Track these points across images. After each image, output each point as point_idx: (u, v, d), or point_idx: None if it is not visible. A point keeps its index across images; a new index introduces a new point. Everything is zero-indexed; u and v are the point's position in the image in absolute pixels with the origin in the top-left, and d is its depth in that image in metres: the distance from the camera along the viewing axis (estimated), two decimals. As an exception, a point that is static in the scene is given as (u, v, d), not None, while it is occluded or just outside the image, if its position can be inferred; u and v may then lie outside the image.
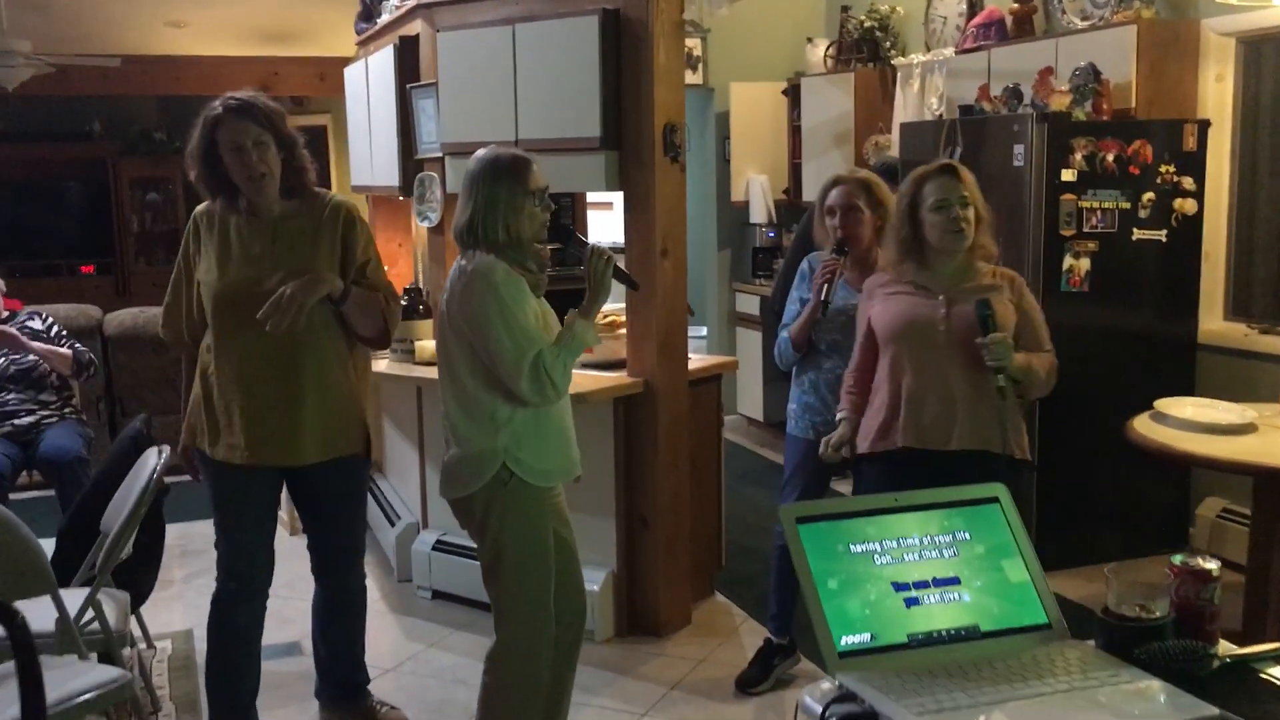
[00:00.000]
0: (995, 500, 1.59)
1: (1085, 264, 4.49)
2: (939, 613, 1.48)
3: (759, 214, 7.04)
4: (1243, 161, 4.73)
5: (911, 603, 1.48)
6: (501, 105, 4.09)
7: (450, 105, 4.30)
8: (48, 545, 3.44)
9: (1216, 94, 4.69)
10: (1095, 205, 4.47)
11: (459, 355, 2.71)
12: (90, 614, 2.99)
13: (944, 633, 1.47)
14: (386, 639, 4.06)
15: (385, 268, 5.43)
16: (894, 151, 5.70)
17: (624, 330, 4.11)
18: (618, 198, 4.10)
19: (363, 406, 3.15)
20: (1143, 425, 3.60)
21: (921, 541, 1.53)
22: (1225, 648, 1.50)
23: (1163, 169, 4.52)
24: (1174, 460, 3.64)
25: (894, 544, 1.52)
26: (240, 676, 3.16)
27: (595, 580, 3.95)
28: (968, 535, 1.55)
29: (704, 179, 7.27)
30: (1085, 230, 4.48)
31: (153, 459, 3.20)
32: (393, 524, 4.74)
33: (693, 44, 6.83)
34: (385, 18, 5.07)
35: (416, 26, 4.60)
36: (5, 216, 9.84)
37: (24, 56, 6.48)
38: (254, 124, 2.88)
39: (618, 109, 3.87)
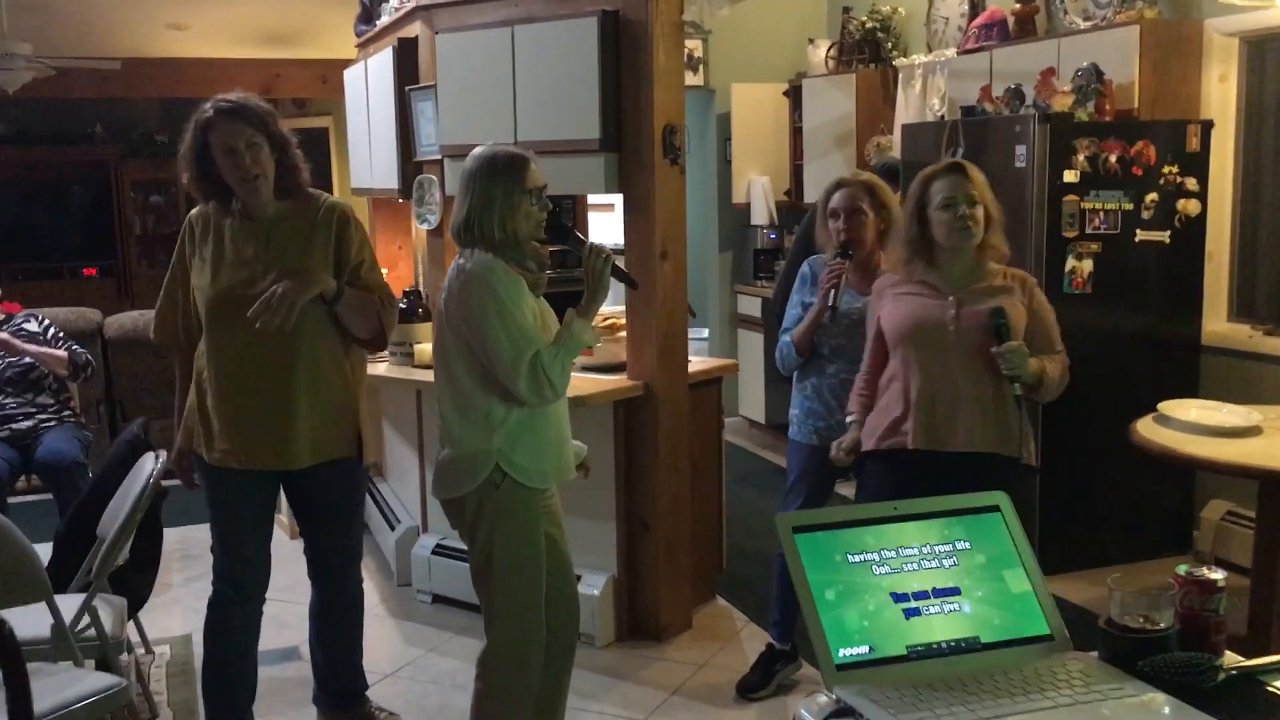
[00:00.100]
0: (996, 509, 1.57)
1: (1088, 265, 4.46)
2: (939, 624, 1.46)
3: (760, 215, 7.02)
4: (1246, 162, 4.70)
5: (911, 614, 1.45)
6: (500, 107, 4.07)
7: (449, 107, 4.28)
8: (46, 550, 3.43)
9: (1220, 94, 4.66)
10: (1098, 206, 4.45)
11: (456, 354, 2.69)
12: (86, 620, 2.97)
13: (944, 645, 1.45)
14: (386, 644, 4.04)
15: (386, 270, 5.42)
16: (895, 153, 5.68)
17: (624, 333, 4.09)
18: (619, 199, 4.08)
19: (357, 409, 3.13)
20: (1146, 428, 3.57)
21: (921, 551, 1.51)
22: (1231, 659, 1.47)
23: (1166, 170, 4.49)
24: (1178, 464, 3.61)
25: (893, 554, 1.49)
26: (237, 682, 3.14)
27: (595, 584, 3.93)
28: (968, 544, 1.53)
29: (705, 181, 7.25)
30: (1088, 232, 4.45)
31: (150, 463, 3.18)
32: (393, 528, 4.72)
33: (694, 45, 6.81)
34: (384, 20, 5.05)
35: (415, 28, 4.58)
36: (7, 219, 9.84)
37: (24, 59, 6.48)
38: (246, 125, 2.86)
39: (617, 111, 3.85)
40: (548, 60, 3.94)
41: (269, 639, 3.36)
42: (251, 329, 2.80)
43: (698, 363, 4.27)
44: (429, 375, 3.82)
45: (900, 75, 6.16)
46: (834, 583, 1.45)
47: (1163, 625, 1.45)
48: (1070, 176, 4.40)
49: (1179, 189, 4.53)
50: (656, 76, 3.78)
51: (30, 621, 2.93)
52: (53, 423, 4.80)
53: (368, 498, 5.01)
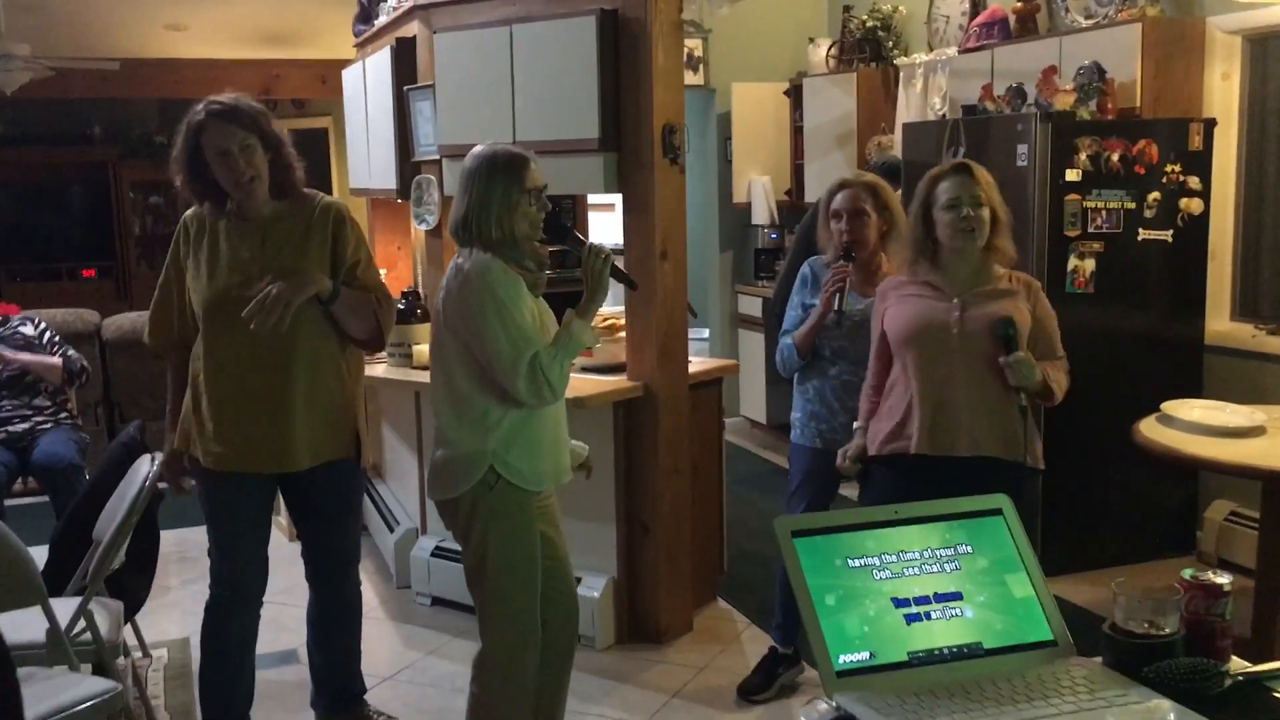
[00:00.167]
0: (998, 512, 1.54)
1: (1090, 265, 4.44)
2: (940, 630, 1.43)
3: (761, 215, 7.00)
4: (1249, 160, 4.68)
5: (912, 619, 1.43)
6: (499, 107, 4.05)
7: (447, 107, 4.26)
8: (43, 553, 3.42)
9: (1222, 92, 4.64)
10: (1100, 205, 4.43)
11: (453, 354, 2.67)
12: (82, 624, 2.95)
13: (946, 651, 1.42)
14: (385, 646, 4.02)
15: (385, 271, 5.40)
16: (896, 152, 5.65)
17: (623, 333, 4.07)
18: (619, 199, 4.06)
19: (355, 410, 3.10)
20: (1149, 428, 3.55)
21: (922, 555, 1.48)
22: (1237, 665, 1.45)
23: (1168, 168, 4.47)
24: (1182, 464, 3.59)
25: (894, 558, 1.47)
26: (234, 686, 3.12)
27: (595, 587, 3.91)
28: (970, 548, 1.50)
29: (705, 180, 7.23)
30: (1090, 231, 4.43)
31: (145, 466, 3.16)
32: (391, 529, 4.70)
33: (694, 44, 6.80)
34: (382, 19, 5.03)
35: (413, 28, 4.56)
36: (6, 220, 9.82)
37: (22, 60, 6.46)
38: (239, 128, 2.84)
39: (616, 110, 3.83)
40: (546, 59, 3.92)
41: (267, 642, 3.34)
42: (248, 331, 2.78)
43: (698, 363, 4.25)
44: (428, 376, 3.79)
45: (901, 74, 6.14)
46: (834, 588, 1.43)
47: (1168, 630, 1.42)
48: (1072, 175, 4.38)
49: (1181, 188, 4.50)
50: (656, 76, 3.76)
51: (25, 625, 2.91)
52: (49, 425, 4.78)
53: (367, 499, 5.00)
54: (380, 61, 4.82)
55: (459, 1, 4.29)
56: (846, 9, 6.68)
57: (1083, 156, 4.37)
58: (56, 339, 4.98)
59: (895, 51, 6.37)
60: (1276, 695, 1.39)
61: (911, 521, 1.51)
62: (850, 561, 1.45)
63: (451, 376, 2.68)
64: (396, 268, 5.46)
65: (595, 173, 3.87)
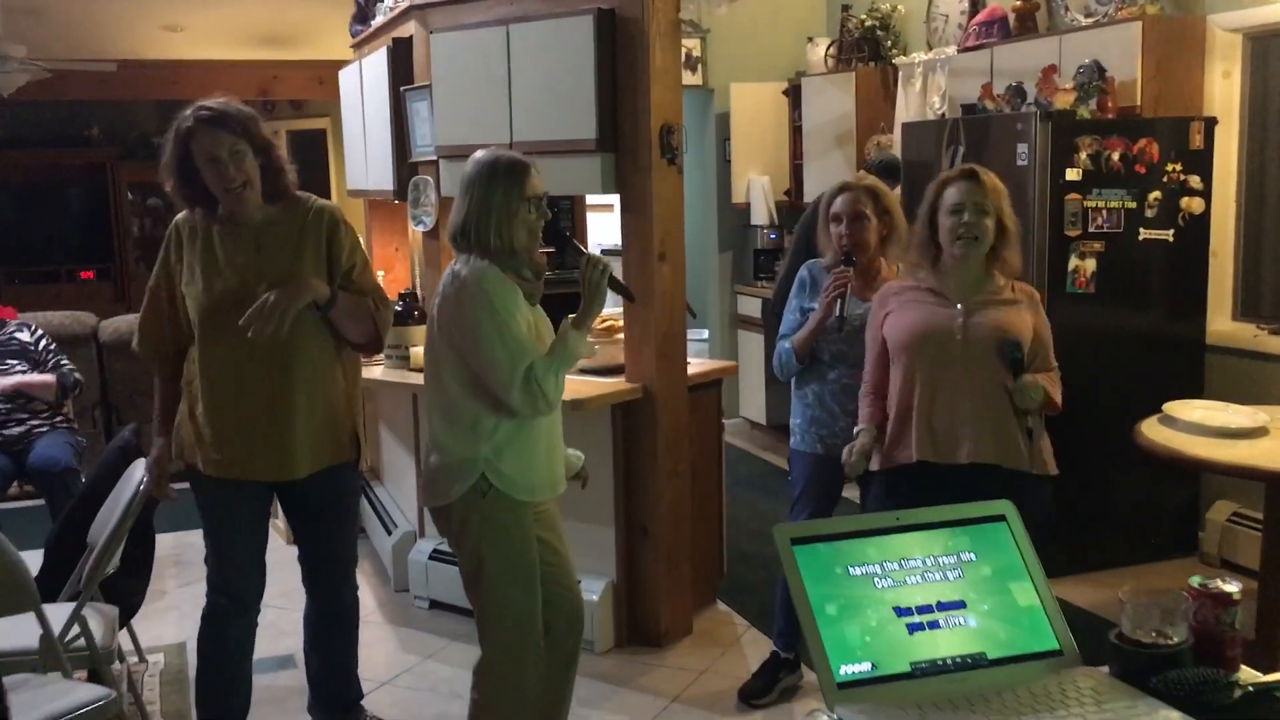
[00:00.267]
0: (1002, 518, 1.52)
1: (1091, 265, 4.42)
2: (944, 639, 1.41)
3: (760, 215, 6.97)
4: (1250, 159, 4.65)
5: (915, 629, 1.40)
6: (496, 107, 4.03)
7: (444, 107, 4.24)
8: (38, 557, 3.39)
9: (1223, 91, 4.61)
10: (1101, 205, 4.40)
11: (446, 361, 2.64)
12: (76, 630, 2.92)
13: (949, 661, 1.40)
14: (382, 651, 4.00)
15: (382, 272, 5.37)
16: (896, 151, 5.63)
17: (622, 335, 4.05)
18: (617, 199, 4.03)
19: (355, 413, 3.07)
20: (1151, 429, 3.53)
21: (925, 563, 1.45)
22: (1247, 675, 1.42)
23: (1169, 167, 4.44)
24: (1185, 466, 3.56)
25: (895, 566, 1.44)
26: (231, 693, 3.09)
27: (594, 590, 3.88)
28: (973, 556, 1.48)
29: (704, 180, 7.20)
30: (1091, 230, 4.40)
31: (140, 470, 3.14)
32: (390, 532, 4.67)
33: (692, 44, 6.77)
34: (379, 19, 5.01)
35: (410, 28, 4.54)
36: (4, 222, 9.79)
37: (19, 61, 6.43)
38: (228, 133, 2.80)
39: (613, 110, 3.80)
40: (543, 59, 3.89)
41: (264, 647, 3.32)
42: (245, 337, 2.74)
43: (697, 365, 4.23)
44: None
45: (900, 73, 6.11)
46: (835, 597, 1.40)
47: (1176, 640, 1.40)
48: (1073, 175, 4.35)
49: (1182, 187, 4.48)
50: (654, 75, 3.73)
51: (18, 631, 2.89)
52: (45, 429, 4.76)
53: (365, 502, 4.98)
54: (377, 62, 4.80)
55: (456, 1, 4.26)
56: (845, 8, 6.66)
57: (1083, 156, 4.35)
58: (53, 347, 4.96)
59: (894, 51, 6.35)
60: (1287, 705, 1.37)
61: (913, 528, 1.48)
62: (851, 569, 1.43)
63: (444, 382, 2.65)
64: (394, 269, 5.44)
65: (593, 173, 3.85)
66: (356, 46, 5.53)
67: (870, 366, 3.09)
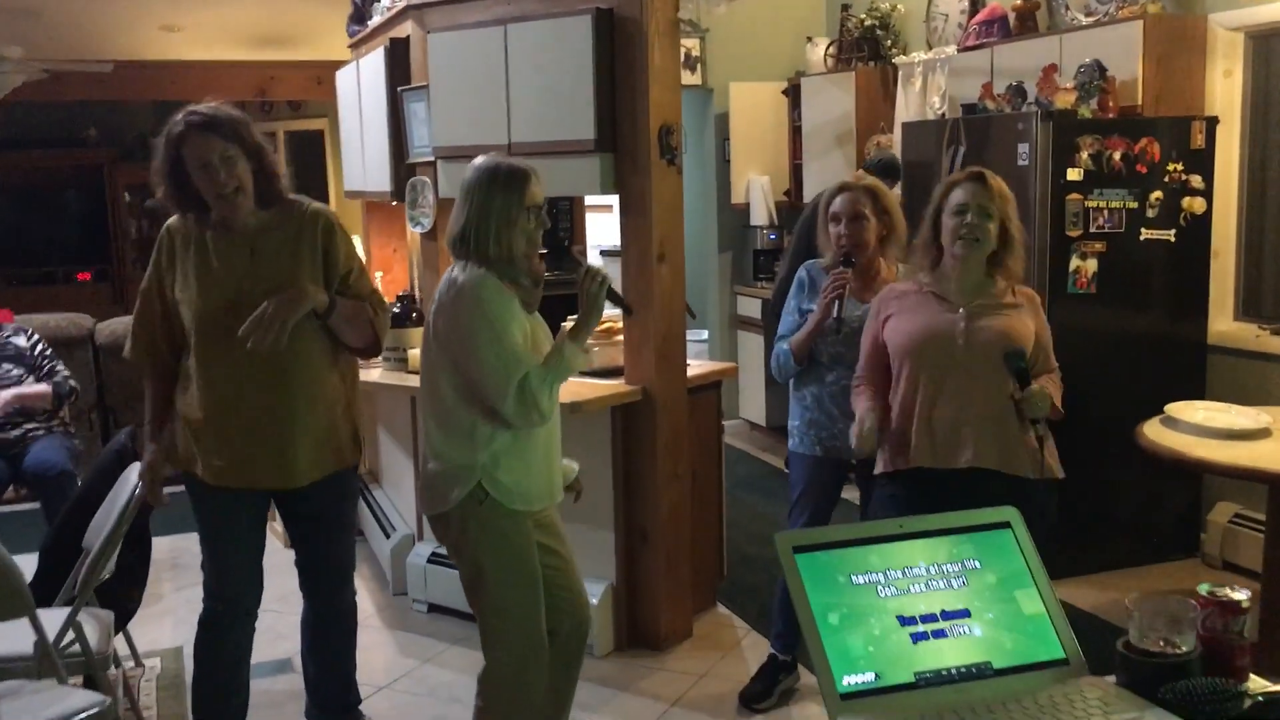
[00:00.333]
0: (1007, 525, 1.50)
1: (1092, 265, 4.39)
2: (948, 649, 1.38)
3: (760, 216, 6.95)
4: (1252, 159, 4.64)
5: (919, 638, 1.38)
6: (494, 108, 4.00)
7: (442, 108, 4.21)
8: (34, 560, 3.37)
9: (1225, 90, 4.59)
10: (1102, 205, 4.38)
11: (441, 368, 2.62)
12: (71, 635, 2.90)
13: (954, 671, 1.37)
14: (380, 655, 3.97)
15: (381, 274, 5.35)
16: (896, 151, 5.61)
17: (621, 337, 4.02)
18: (616, 200, 4.01)
19: (354, 415, 3.05)
20: (1154, 431, 3.51)
21: (929, 571, 1.43)
22: (1257, 685, 1.40)
23: (1170, 167, 4.43)
24: (1187, 468, 3.54)
25: (899, 574, 1.42)
26: (228, 699, 3.06)
27: (594, 593, 3.83)
28: (978, 563, 1.46)
29: (704, 181, 7.18)
30: (1092, 231, 4.38)
31: (135, 474, 3.11)
32: (388, 535, 4.65)
33: (691, 44, 6.75)
34: (376, 19, 4.98)
35: (407, 28, 4.51)
36: (1, 224, 9.77)
37: (14, 62, 6.41)
38: (219, 139, 2.76)
39: (612, 111, 3.78)
40: (541, 59, 3.87)
41: (262, 651, 3.30)
42: (243, 345, 2.72)
43: (696, 366, 4.21)
44: (422, 382, 3.75)
45: (900, 73, 6.09)
46: (837, 605, 1.38)
47: (1184, 649, 1.37)
48: (1074, 174, 4.33)
49: (1184, 186, 4.46)
50: (652, 75, 3.71)
51: (13, 637, 2.86)
52: (41, 432, 4.73)
53: (363, 505, 4.95)
54: (374, 62, 4.77)
55: (453, 1, 4.24)
56: (845, 7, 6.64)
57: (1084, 155, 4.32)
58: (49, 353, 4.94)
59: (894, 50, 6.33)
60: (1297, 715, 1.35)
61: (917, 536, 1.46)
62: (854, 578, 1.41)
63: (440, 390, 2.63)
64: (392, 271, 5.41)
65: (591, 174, 3.82)
66: (354, 47, 5.50)
67: (863, 362, 3.06)
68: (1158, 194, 4.43)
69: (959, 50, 5.56)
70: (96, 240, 9.84)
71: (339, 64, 5.71)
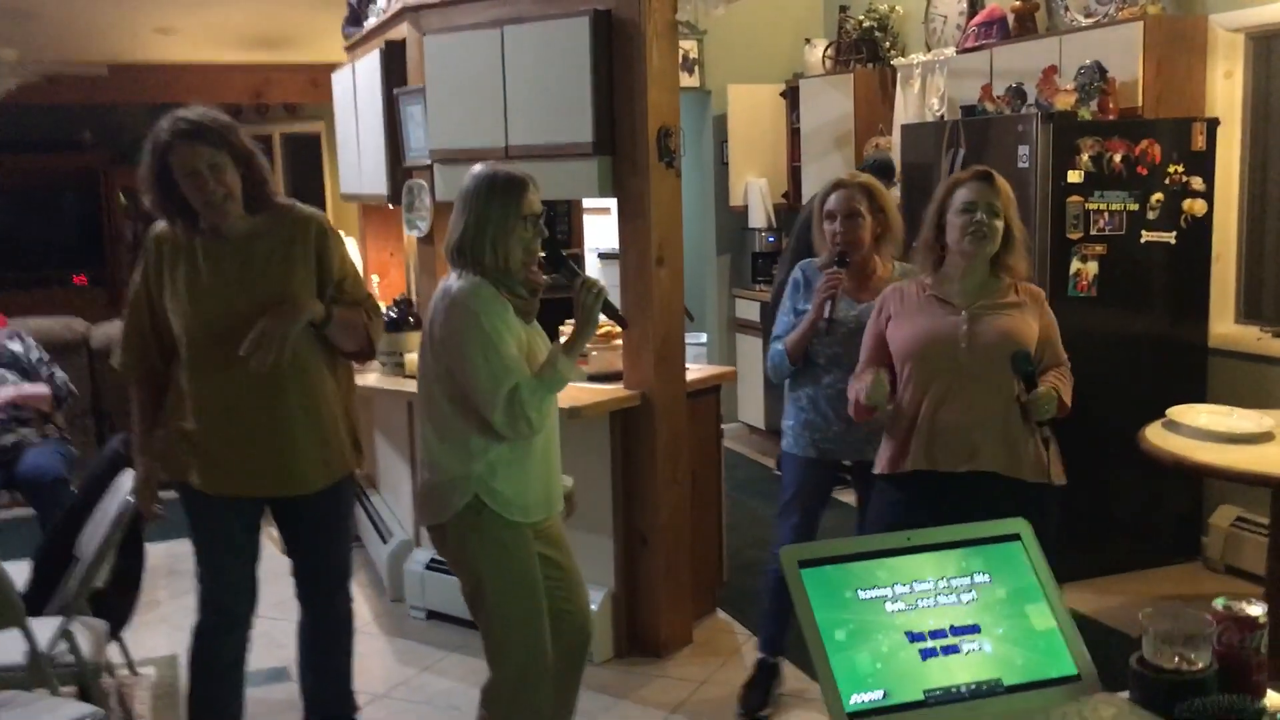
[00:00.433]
0: (1016, 537, 1.47)
1: (1093, 268, 4.37)
2: (958, 665, 1.35)
3: (758, 218, 6.93)
4: (1253, 160, 4.61)
5: (928, 654, 1.35)
6: (491, 111, 3.97)
7: (438, 111, 4.18)
8: (27, 569, 3.34)
9: (1225, 91, 4.57)
10: (1102, 207, 4.36)
11: (436, 377, 2.59)
12: (64, 645, 2.87)
13: (964, 688, 1.34)
14: (378, 663, 3.94)
15: (377, 278, 5.31)
16: (895, 153, 5.58)
17: (620, 341, 3.99)
18: (614, 203, 3.98)
19: (351, 420, 3.02)
20: (1155, 435, 3.49)
21: (937, 585, 1.40)
22: (1274, 701, 1.37)
23: (1171, 169, 4.40)
24: (1190, 472, 3.52)
25: (907, 588, 1.39)
26: (223, 709, 3.02)
27: (593, 600, 3.79)
28: (988, 577, 1.43)
29: (702, 183, 7.15)
30: (1092, 233, 4.36)
31: (128, 482, 3.08)
32: (385, 541, 4.62)
33: (689, 46, 6.72)
34: (372, 21, 4.95)
35: (403, 30, 4.48)
36: (-3, 226, 9.75)
37: (9, 65, 6.38)
38: (206, 146, 2.72)
39: (610, 113, 3.75)
40: (539, 62, 3.84)
41: (258, 658, 3.25)
42: (237, 355, 2.68)
43: (695, 371, 4.18)
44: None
45: (899, 75, 6.07)
46: (844, 622, 1.35)
47: (1200, 665, 1.35)
48: (1074, 177, 4.31)
49: (1184, 188, 4.44)
50: (650, 78, 3.68)
51: (5, 647, 2.83)
52: (36, 439, 4.69)
53: (360, 511, 4.92)
54: (370, 64, 4.75)
55: (449, 3, 4.21)
56: (843, 9, 6.61)
57: (1085, 157, 4.30)
58: (45, 358, 4.90)
59: (892, 52, 6.31)
60: (1315, 733, 1.32)
61: (925, 549, 1.43)
62: (861, 593, 1.38)
63: (436, 399, 2.61)
64: (389, 274, 5.38)
65: (589, 177, 3.80)
66: (350, 49, 5.47)
67: (865, 357, 3.02)
68: (1158, 196, 4.41)
69: (958, 52, 5.54)
70: (92, 244, 9.80)
71: (335, 66, 5.68)
